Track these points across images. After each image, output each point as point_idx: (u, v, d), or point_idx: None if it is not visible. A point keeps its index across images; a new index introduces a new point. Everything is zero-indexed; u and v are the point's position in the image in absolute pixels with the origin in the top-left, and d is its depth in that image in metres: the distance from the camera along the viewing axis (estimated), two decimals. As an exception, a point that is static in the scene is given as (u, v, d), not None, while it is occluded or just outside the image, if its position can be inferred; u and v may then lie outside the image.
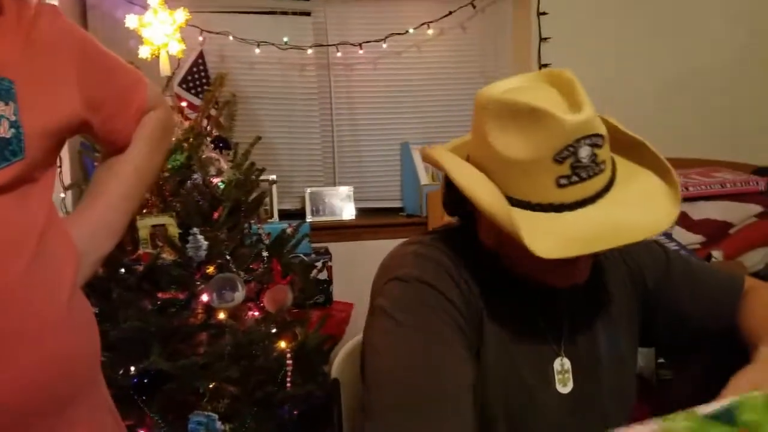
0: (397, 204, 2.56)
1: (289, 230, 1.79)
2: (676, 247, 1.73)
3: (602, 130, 0.75)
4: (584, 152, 0.73)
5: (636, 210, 0.77)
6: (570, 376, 0.88)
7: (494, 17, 2.53)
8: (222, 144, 1.70)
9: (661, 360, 1.53)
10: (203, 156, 1.61)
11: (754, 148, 2.37)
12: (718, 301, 0.98)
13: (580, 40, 2.41)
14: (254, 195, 1.73)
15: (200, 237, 1.51)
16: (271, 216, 2.20)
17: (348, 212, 2.41)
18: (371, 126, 2.52)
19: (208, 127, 1.71)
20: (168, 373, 1.47)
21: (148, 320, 1.49)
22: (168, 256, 1.54)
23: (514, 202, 0.76)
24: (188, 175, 1.58)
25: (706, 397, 1.17)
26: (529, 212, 0.74)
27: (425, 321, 0.79)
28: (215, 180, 1.62)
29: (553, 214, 0.74)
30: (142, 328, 1.48)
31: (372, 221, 2.42)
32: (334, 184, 2.46)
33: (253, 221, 1.74)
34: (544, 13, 2.42)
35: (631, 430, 0.62)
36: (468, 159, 0.84)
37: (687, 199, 2.06)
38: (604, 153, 0.76)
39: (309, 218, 2.34)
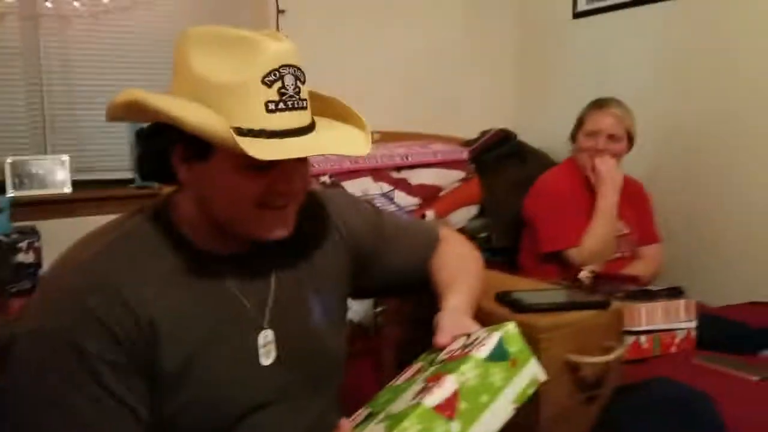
0: (126, 175, 2.34)
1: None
2: (395, 209, 1.91)
3: (302, 66, 0.80)
4: (289, 80, 0.77)
5: (338, 142, 0.84)
6: (273, 347, 0.89)
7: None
8: None
9: (378, 309, 1.67)
10: None
11: (464, 125, 2.72)
12: (421, 253, 1.11)
13: (317, 16, 2.48)
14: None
15: None
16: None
17: (62, 184, 2.12)
18: (93, 86, 2.25)
19: None
20: None
21: None
22: None
23: None
24: None
25: (411, 338, 1.32)
26: (241, 137, 0.73)
27: (62, 390, 0.74)
28: None
29: (264, 140, 0.76)
30: None
31: (93, 194, 2.14)
32: (45, 153, 2.17)
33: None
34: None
35: (434, 394, 0.70)
36: None
37: (407, 167, 2.29)
38: (305, 92, 0.81)
39: (11, 192, 2.02)
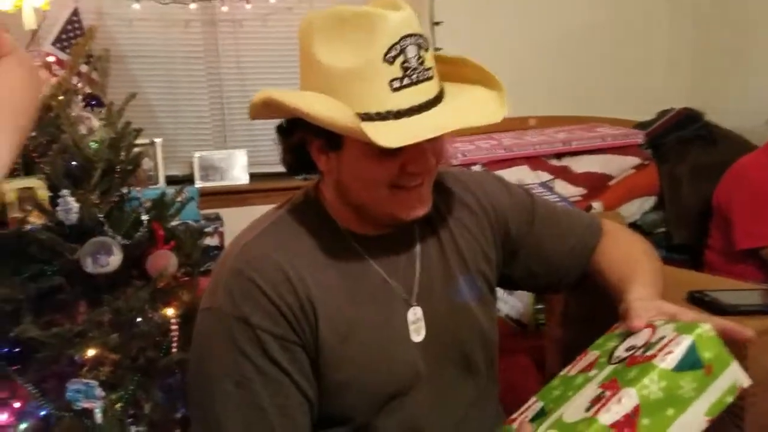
0: (292, 168, 2.50)
1: (171, 195, 1.71)
2: (557, 200, 1.80)
3: (423, 32, 0.77)
4: (411, 52, 0.74)
5: (469, 112, 0.80)
6: (423, 324, 0.89)
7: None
8: (94, 102, 1.60)
9: (539, 306, 1.59)
10: (73, 114, 1.51)
11: (636, 105, 2.49)
12: (579, 245, 1.02)
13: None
14: (131, 157, 1.64)
15: (70, 199, 1.42)
16: (157, 182, 2.10)
17: (240, 177, 2.34)
18: (263, 85, 2.42)
19: (79, 84, 1.60)
20: (41, 342, 1.40)
21: (17, 287, 1.40)
22: (37, 220, 1.45)
23: None
24: (56, 135, 1.48)
25: (574, 338, 1.22)
26: (368, 123, 0.73)
27: (229, 361, 0.80)
28: (86, 140, 1.52)
29: (392, 122, 0.74)
30: (10, 295, 1.39)
31: (265, 185, 2.34)
32: (225, 148, 2.38)
33: (132, 186, 1.66)
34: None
35: (611, 411, 0.63)
36: None
37: (570, 154, 2.15)
38: (430, 59, 0.78)
39: (198, 183, 2.25)
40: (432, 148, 0.81)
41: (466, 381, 0.92)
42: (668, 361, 0.65)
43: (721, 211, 1.88)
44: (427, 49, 0.77)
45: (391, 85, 0.74)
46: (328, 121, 0.73)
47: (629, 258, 0.97)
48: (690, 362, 0.65)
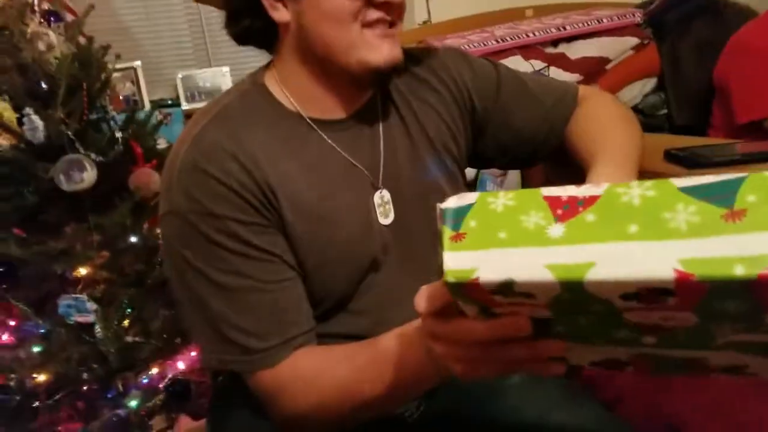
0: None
1: (146, 113, 1.69)
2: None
3: None
4: None
5: None
6: (391, 206, 0.86)
7: None
8: (54, 18, 1.56)
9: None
10: (29, 31, 1.47)
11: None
12: (551, 115, 0.96)
13: None
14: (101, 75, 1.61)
15: (35, 117, 1.41)
16: (142, 106, 2.08)
17: (225, 94, 2.30)
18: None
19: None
20: (25, 261, 1.42)
21: (-4, 213, 1.41)
22: (5, 142, 1.44)
23: None
24: (13, 53, 1.45)
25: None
26: None
27: (209, 255, 0.75)
28: (46, 56, 1.48)
29: None
30: (-11, 220, 1.40)
31: None
32: (209, 66, 2.33)
33: (107, 105, 1.64)
34: None
35: (565, 189, 0.45)
36: None
37: (566, 40, 2.03)
38: None
39: (184, 105, 2.22)
40: None
41: (435, 258, 0.89)
42: (684, 179, 0.42)
43: (721, 84, 1.77)
44: None
45: None
46: None
47: (602, 129, 0.90)
48: (714, 192, 0.40)
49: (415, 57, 0.93)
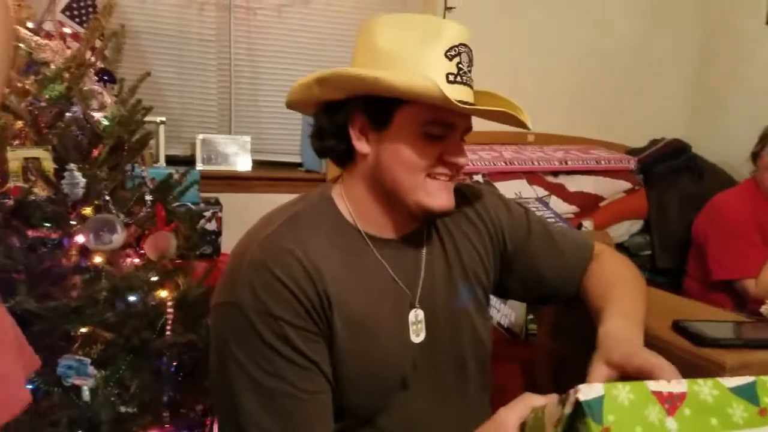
0: (296, 159, 2.51)
1: (176, 176, 1.72)
2: (551, 215, 1.86)
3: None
4: (465, 58, 0.86)
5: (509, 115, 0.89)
6: (423, 326, 0.93)
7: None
8: (107, 77, 1.60)
9: (531, 316, 1.64)
10: (85, 88, 1.51)
11: (628, 131, 2.57)
12: (570, 266, 1.06)
13: (486, 12, 2.47)
14: (138, 135, 1.64)
15: (77, 173, 1.42)
16: (157, 160, 2.10)
17: (243, 163, 2.33)
18: (273, 75, 2.43)
19: (92, 59, 1.59)
20: (36, 315, 1.39)
21: (16, 258, 1.39)
22: (41, 191, 1.44)
23: None
24: (67, 108, 1.47)
25: (564, 350, 1.25)
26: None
27: (256, 353, 0.81)
28: (97, 115, 1.51)
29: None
30: (8, 266, 1.38)
31: (268, 174, 2.36)
32: (230, 133, 2.38)
33: (137, 163, 1.66)
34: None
35: (658, 382, 0.61)
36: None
37: (565, 173, 2.20)
38: (471, 72, 0.88)
39: (199, 166, 2.25)
40: (463, 146, 0.89)
41: (459, 384, 0.96)
42: (726, 380, 0.62)
43: (698, 242, 1.96)
44: (472, 63, 0.86)
45: (447, 77, 0.83)
46: (405, 86, 0.79)
47: (612, 283, 1.01)
48: (747, 394, 0.62)
49: (461, 193, 1.02)
